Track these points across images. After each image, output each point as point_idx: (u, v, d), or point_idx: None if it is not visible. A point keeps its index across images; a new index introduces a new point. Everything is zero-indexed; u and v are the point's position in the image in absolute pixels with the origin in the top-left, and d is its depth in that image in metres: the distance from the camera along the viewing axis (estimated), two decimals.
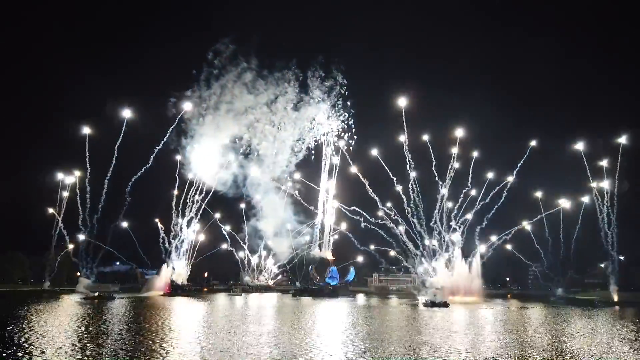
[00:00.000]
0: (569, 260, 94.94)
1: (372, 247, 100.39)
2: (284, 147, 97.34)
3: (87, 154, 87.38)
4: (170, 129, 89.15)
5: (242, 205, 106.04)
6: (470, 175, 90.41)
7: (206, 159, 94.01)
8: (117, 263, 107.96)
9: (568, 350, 29.04)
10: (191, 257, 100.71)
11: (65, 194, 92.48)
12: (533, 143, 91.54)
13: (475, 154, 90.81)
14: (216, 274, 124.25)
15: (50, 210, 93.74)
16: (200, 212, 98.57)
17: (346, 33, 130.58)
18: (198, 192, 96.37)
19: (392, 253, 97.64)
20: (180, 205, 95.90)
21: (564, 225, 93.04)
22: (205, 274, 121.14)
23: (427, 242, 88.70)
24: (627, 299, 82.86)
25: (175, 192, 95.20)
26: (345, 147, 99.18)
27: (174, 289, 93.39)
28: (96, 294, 74.29)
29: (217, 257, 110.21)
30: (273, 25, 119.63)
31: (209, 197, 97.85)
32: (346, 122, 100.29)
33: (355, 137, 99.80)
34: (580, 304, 79.08)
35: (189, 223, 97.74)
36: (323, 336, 34.86)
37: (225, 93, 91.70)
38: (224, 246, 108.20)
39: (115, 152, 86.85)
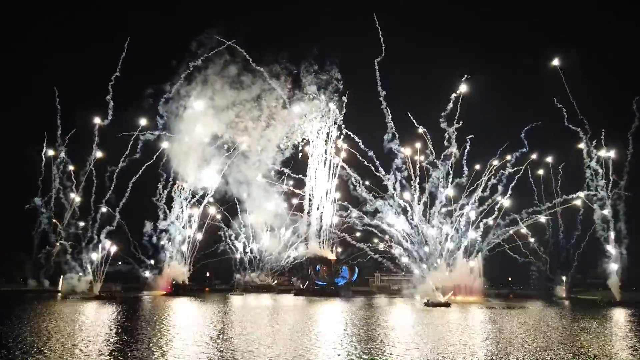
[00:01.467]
0: (571, 260, 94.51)
1: (370, 245, 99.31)
2: (270, 144, 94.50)
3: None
4: (160, 125, 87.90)
5: (235, 203, 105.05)
6: (465, 160, 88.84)
7: (189, 155, 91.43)
8: (120, 263, 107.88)
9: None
10: (191, 257, 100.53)
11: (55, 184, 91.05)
12: None
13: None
14: (218, 273, 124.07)
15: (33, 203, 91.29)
16: (189, 210, 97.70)
17: (342, 26, 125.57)
18: (183, 190, 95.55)
19: (393, 251, 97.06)
20: (165, 201, 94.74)
21: (564, 224, 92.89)
22: (207, 274, 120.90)
23: (427, 239, 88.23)
24: (631, 298, 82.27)
25: (160, 189, 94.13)
26: (335, 145, 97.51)
27: (176, 289, 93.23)
28: (89, 293, 72.98)
29: (218, 256, 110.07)
30: (263, 15, 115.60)
31: (198, 196, 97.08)
32: (339, 119, 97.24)
33: (344, 132, 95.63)
34: (583, 303, 78.70)
35: (178, 219, 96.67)
36: (322, 337, 34.73)
37: (209, 87, 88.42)
38: (221, 246, 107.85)
39: (96, 136, 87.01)
